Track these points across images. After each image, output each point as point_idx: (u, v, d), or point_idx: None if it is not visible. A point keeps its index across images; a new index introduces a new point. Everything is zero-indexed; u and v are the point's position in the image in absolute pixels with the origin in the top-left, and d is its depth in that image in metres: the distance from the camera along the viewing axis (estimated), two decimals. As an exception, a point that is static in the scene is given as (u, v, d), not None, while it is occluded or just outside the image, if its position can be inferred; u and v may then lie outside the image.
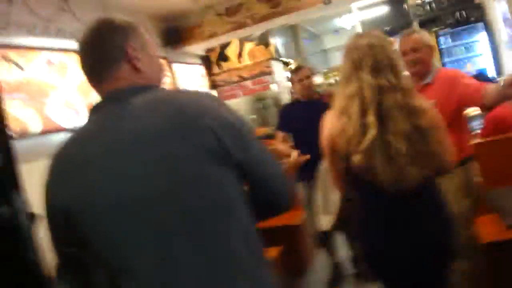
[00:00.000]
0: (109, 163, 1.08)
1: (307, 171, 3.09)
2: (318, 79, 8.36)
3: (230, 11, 6.61)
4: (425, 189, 1.85)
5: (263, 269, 1.19)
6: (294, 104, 3.93)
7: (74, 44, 1.26)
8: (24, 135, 3.74)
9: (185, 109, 1.12)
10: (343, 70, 1.88)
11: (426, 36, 2.61)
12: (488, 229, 2.70)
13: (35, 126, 3.91)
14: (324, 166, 2.79)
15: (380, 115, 1.76)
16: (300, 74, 3.68)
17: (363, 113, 1.77)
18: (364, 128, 1.76)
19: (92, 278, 1.13)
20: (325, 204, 2.75)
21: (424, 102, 1.85)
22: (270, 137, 7.41)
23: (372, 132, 1.74)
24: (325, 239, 3.70)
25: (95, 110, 1.18)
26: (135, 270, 1.08)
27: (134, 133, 1.09)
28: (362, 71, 1.80)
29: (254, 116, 8.40)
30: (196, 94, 1.21)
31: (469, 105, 2.55)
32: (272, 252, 3.20)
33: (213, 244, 1.09)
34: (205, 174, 1.09)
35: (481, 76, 3.75)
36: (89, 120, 1.18)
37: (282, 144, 3.74)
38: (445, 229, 1.92)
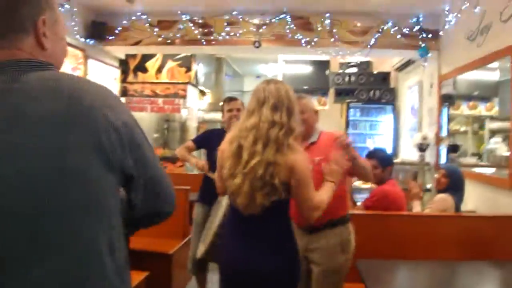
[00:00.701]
0: None
1: (210, 195, 3.06)
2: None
3: (163, 25, 6.52)
4: (270, 217, 2.06)
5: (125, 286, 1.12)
6: (221, 131, 3.93)
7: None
8: None
9: (83, 99, 1.04)
10: (249, 105, 2.13)
11: (312, 102, 2.96)
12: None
13: None
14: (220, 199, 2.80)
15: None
16: (231, 105, 3.76)
17: (255, 142, 2.01)
18: (251, 155, 2.00)
19: None
20: (208, 234, 2.72)
21: (297, 146, 2.07)
22: (168, 159, 7.30)
23: (256, 158, 1.98)
24: (196, 268, 3.67)
25: None
26: None
27: (22, 110, 0.99)
28: (264, 108, 2.05)
29: (157, 135, 8.23)
30: (98, 86, 1.12)
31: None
32: (138, 276, 3.06)
33: (76, 245, 1.00)
34: (85, 170, 1.01)
35: (377, 152, 3.96)
36: None
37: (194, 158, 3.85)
38: (280, 260, 2.08)
